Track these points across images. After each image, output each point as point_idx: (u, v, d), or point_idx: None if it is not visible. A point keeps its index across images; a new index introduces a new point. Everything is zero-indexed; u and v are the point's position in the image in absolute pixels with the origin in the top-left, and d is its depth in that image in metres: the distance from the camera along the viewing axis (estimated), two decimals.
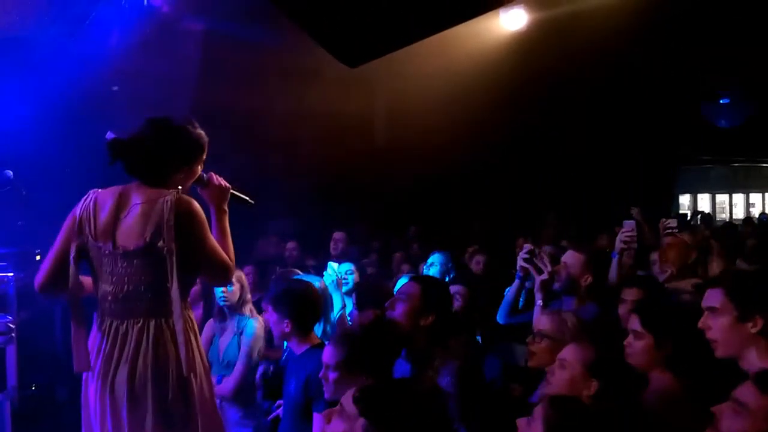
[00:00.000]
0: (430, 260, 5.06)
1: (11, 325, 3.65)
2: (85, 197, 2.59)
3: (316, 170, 8.34)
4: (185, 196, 2.52)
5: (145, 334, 2.46)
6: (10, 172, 4.81)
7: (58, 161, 5.79)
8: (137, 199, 2.51)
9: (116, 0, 5.88)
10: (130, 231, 2.47)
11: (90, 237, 2.51)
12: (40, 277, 2.58)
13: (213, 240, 2.57)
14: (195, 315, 4.38)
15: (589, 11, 7.45)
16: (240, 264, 4.42)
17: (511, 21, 8.14)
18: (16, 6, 5.56)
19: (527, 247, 3.69)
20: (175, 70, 6.71)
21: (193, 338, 2.56)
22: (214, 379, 3.87)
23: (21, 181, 4.68)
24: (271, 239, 7.05)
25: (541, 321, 2.99)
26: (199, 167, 2.68)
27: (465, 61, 8.20)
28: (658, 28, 7.73)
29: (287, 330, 3.29)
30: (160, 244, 2.43)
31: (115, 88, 6.17)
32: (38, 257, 4.51)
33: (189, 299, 2.67)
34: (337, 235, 6.14)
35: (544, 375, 2.80)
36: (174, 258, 2.43)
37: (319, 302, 3.46)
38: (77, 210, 2.57)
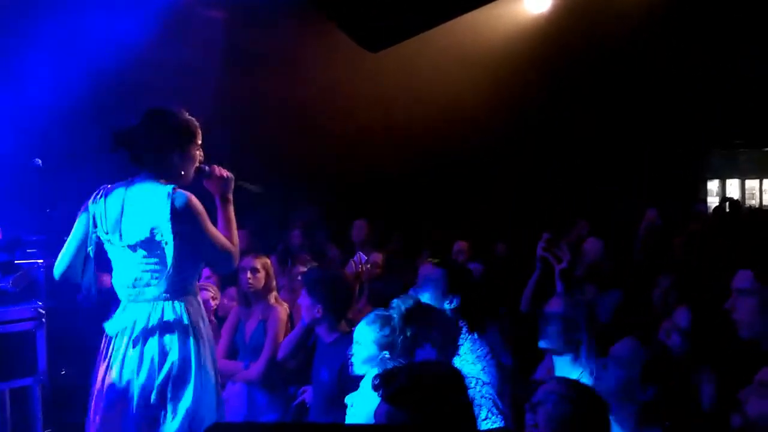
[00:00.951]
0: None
1: (41, 311, 3.73)
2: (95, 193, 2.78)
3: (336, 157, 8.35)
4: (182, 191, 2.67)
5: (150, 318, 2.66)
6: (39, 161, 4.89)
7: (85, 150, 5.87)
8: (140, 194, 2.69)
9: None
10: (132, 225, 2.67)
11: (103, 231, 2.72)
12: (59, 268, 2.80)
13: (213, 229, 2.72)
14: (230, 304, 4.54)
15: None
16: (267, 253, 4.50)
17: (536, 4, 8.05)
18: None
19: (546, 236, 3.65)
20: (198, 57, 6.75)
21: (201, 322, 2.76)
22: (241, 365, 3.96)
23: (49, 170, 4.76)
24: (296, 229, 7.08)
25: (552, 304, 3.00)
26: (197, 153, 2.82)
27: (488, 45, 8.14)
28: (685, 9, 7.58)
29: (318, 315, 3.33)
30: (159, 237, 2.63)
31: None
32: None
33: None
34: (358, 222, 6.14)
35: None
36: (172, 250, 2.62)
37: (352, 290, 3.49)
38: (88, 205, 2.76)
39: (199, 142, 2.83)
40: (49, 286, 3.81)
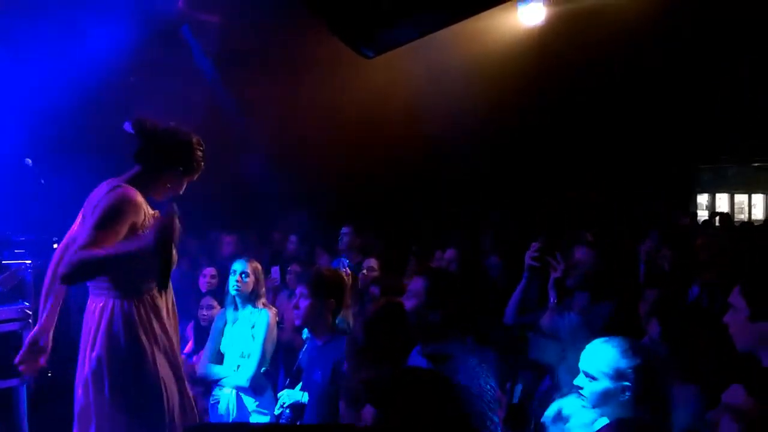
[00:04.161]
0: None
1: (28, 311, 3.70)
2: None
3: (330, 163, 8.35)
4: (122, 186, 2.59)
5: (103, 313, 2.64)
6: (30, 161, 4.86)
7: (75, 150, 5.85)
8: (96, 190, 2.68)
9: None
10: (83, 218, 2.68)
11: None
12: None
13: (101, 232, 2.46)
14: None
15: (607, 6, 7.39)
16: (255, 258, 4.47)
17: (530, 16, 8.08)
18: None
19: (535, 245, 3.64)
20: (193, 61, 6.76)
21: (154, 319, 2.70)
22: (229, 369, 3.92)
23: (39, 170, 4.73)
24: (279, 234, 7.05)
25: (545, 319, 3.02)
26: (184, 186, 2.83)
27: (482, 56, 8.17)
28: (677, 25, 7.65)
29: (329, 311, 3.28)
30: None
31: (133, 78, 6.23)
32: (55, 245, 4.56)
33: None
34: (345, 229, 6.12)
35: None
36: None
37: (346, 290, 3.46)
38: None
39: (193, 180, 2.83)
40: (37, 287, 3.77)
